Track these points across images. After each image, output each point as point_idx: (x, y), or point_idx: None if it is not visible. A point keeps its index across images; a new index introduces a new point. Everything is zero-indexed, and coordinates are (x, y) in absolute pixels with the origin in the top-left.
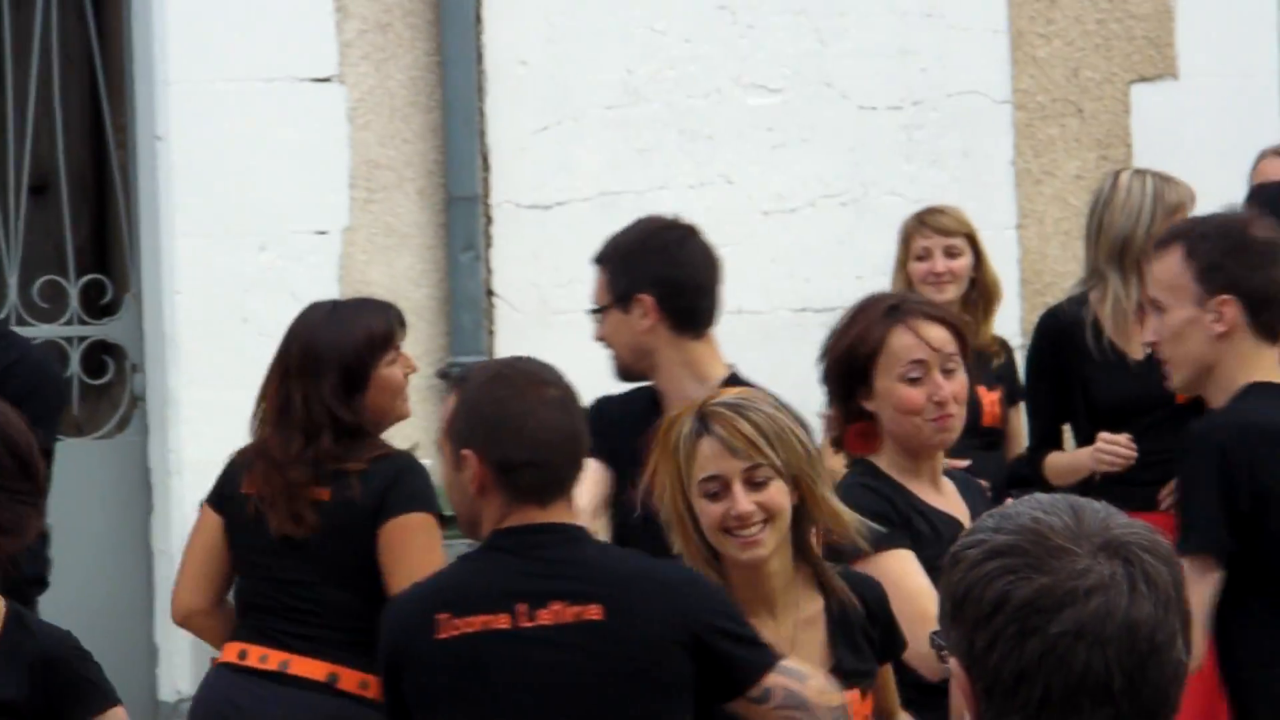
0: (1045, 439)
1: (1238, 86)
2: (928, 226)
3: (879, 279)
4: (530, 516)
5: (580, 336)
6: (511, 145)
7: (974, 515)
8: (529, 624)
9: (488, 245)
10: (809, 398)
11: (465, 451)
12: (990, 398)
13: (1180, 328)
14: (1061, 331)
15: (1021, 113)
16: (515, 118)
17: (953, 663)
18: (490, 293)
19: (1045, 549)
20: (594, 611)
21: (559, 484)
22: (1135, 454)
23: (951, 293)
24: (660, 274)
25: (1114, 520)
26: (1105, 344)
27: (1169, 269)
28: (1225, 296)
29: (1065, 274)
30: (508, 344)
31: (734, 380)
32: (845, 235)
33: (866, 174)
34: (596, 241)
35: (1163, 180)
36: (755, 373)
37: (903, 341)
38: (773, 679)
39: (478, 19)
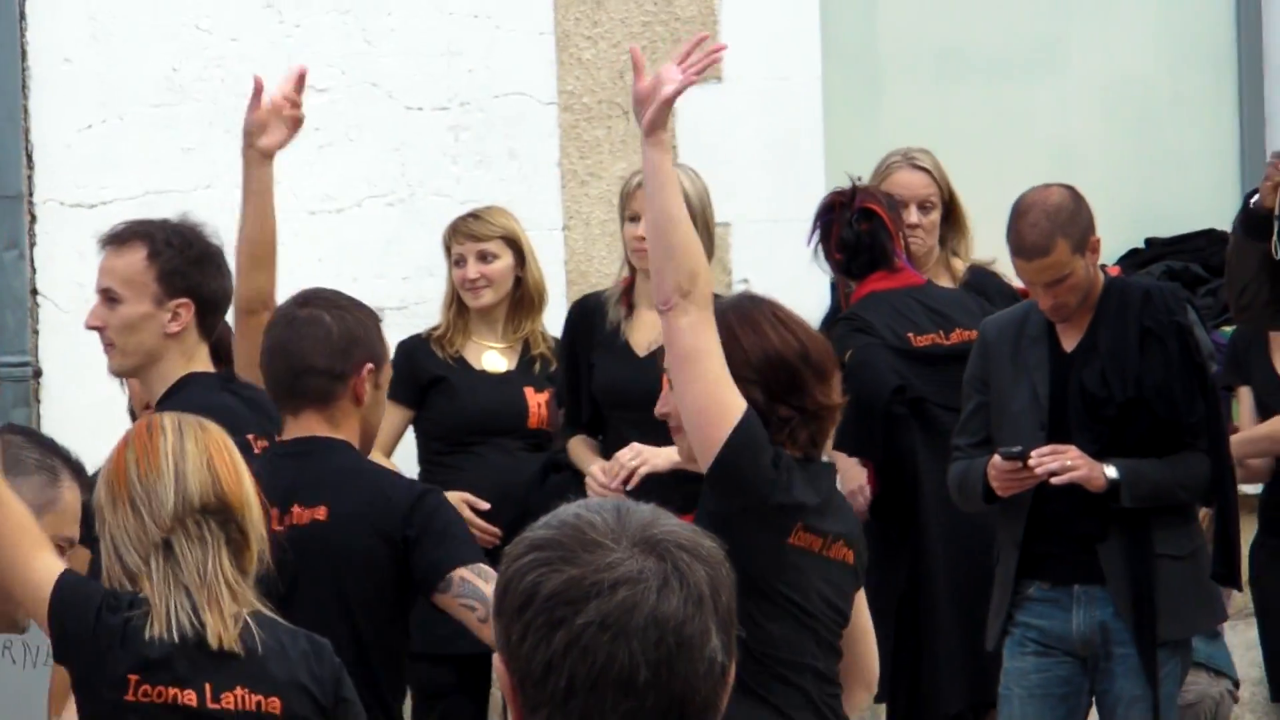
0: (571, 419)
1: (780, 89)
2: (460, 233)
3: (426, 279)
4: (288, 425)
5: None
6: (56, 143)
7: None
8: (292, 522)
9: (32, 244)
10: None
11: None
12: (538, 399)
13: (136, 320)
14: (582, 315)
15: (567, 114)
16: (60, 115)
17: (495, 658)
18: (35, 291)
19: (580, 543)
20: (320, 513)
21: (290, 392)
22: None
23: (488, 297)
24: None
25: (660, 521)
26: (612, 331)
27: (131, 265)
28: (184, 300)
29: (611, 275)
30: (52, 343)
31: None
32: (392, 236)
33: (413, 174)
34: None
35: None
36: None
37: None
38: (459, 573)
39: (21, 15)
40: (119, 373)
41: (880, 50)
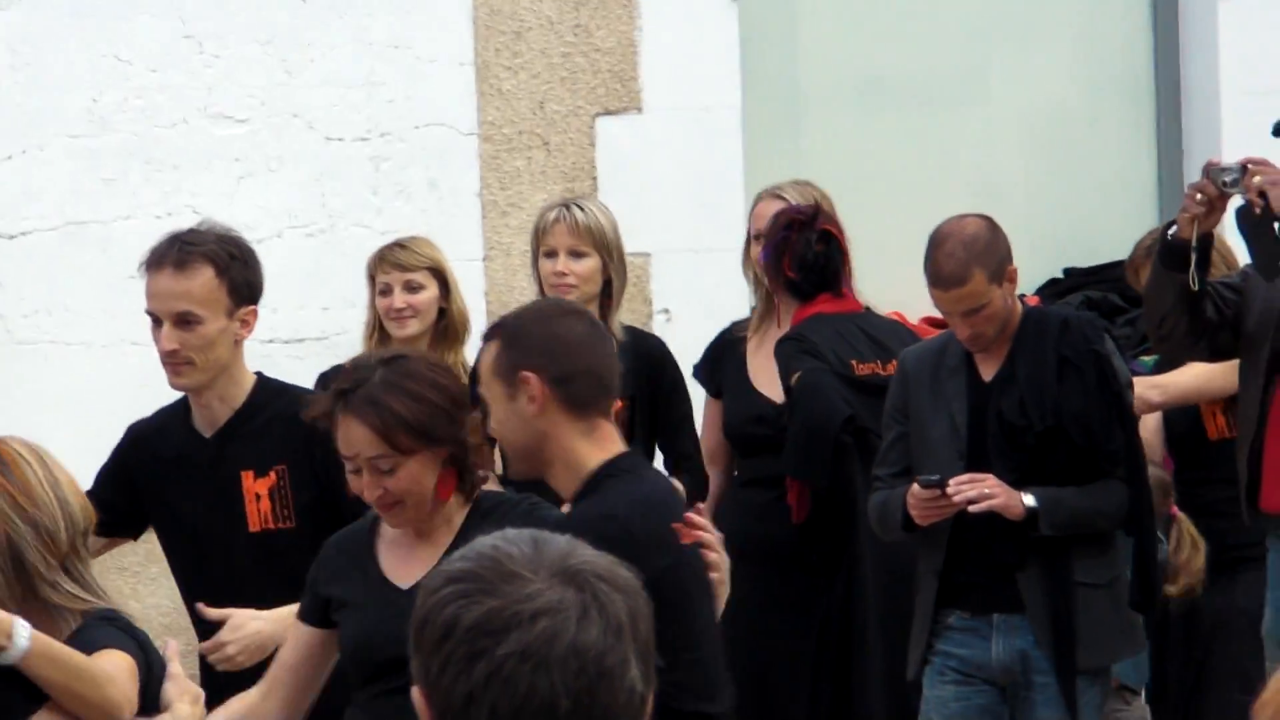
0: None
1: (700, 120)
2: (387, 262)
3: (346, 310)
4: (597, 431)
5: (46, 367)
6: None
7: None
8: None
9: None
10: None
11: (525, 373)
12: None
13: (216, 336)
14: None
15: (488, 145)
16: None
17: (414, 690)
18: None
19: (499, 574)
20: None
21: (606, 394)
22: None
23: (414, 327)
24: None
25: (577, 551)
26: None
27: (205, 285)
28: (252, 306)
29: None
30: None
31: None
32: (313, 266)
33: (334, 205)
34: (62, 271)
35: (564, 207)
36: None
37: (341, 435)
38: None
39: None
40: (193, 388)
41: (801, 79)
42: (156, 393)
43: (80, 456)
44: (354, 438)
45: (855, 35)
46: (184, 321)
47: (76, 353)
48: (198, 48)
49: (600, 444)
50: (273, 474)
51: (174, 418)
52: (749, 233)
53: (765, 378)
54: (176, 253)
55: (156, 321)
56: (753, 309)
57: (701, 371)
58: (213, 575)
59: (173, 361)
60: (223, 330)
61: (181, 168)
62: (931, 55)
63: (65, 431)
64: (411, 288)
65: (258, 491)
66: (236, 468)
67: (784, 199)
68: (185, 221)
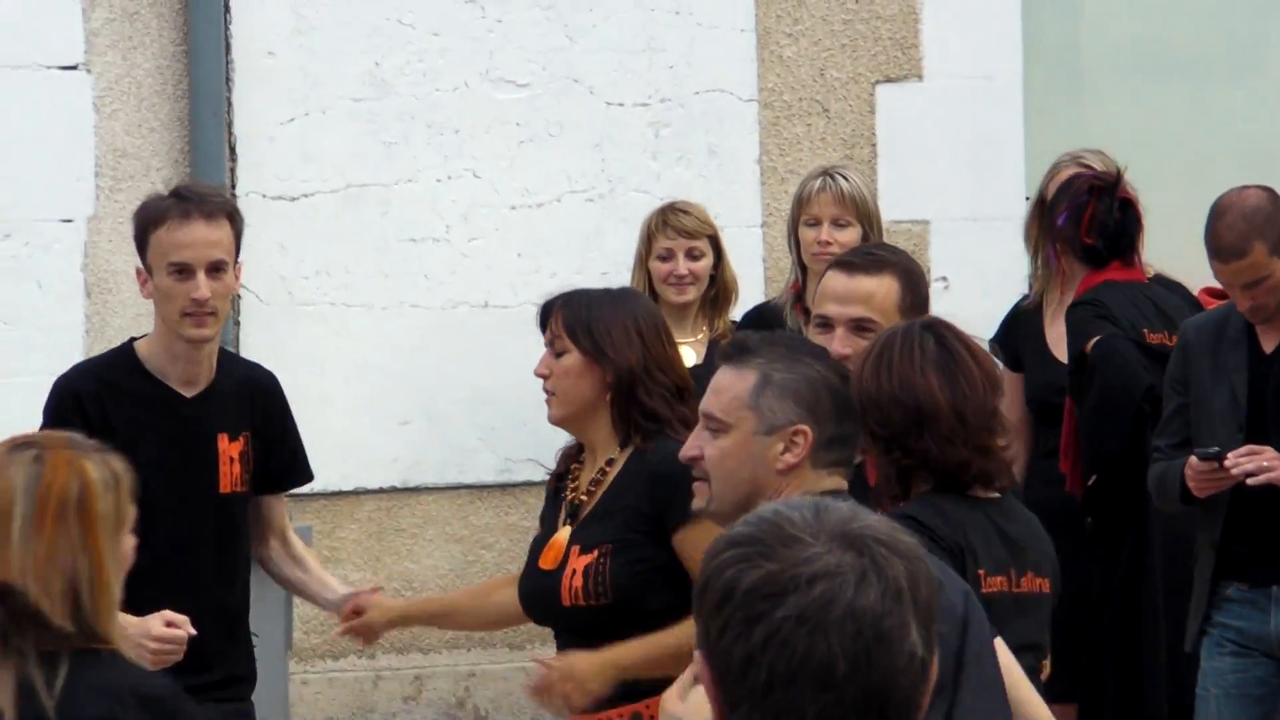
0: None
1: (980, 88)
2: (671, 227)
3: (624, 275)
4: None
5: (325, 329)
6: (259, 136)
7: None
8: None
9: None
10: None
11: None
12: None
13: (233, 287)
14: (759, 321)
15: (767, 111)
16: (263, 108)
17: (697, 653)
18: None
19: (778, 538)
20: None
21: None
22: None
23: (692, 294)
24: None
25: (858, 516)
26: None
27: (229, 236)
28: (239, 261)
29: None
30: (253, 335)
31: None
32: (592, 230)
33: (613, 170)
34: (342, 233)
35: (828, 176)
36: (502, 366)
37: None
38: None
39: (226, 9)
40: (209, 339)
41: (1081, 48)
42: (432, 354)
43: (357, 416)
44: None
45: (1137, 4)
46: (215, 270)
47: (356, 314)
48: (480, 12)
49: None
50: (242, 439)
51: (123, 372)
52: (1043, 197)
53: (1065, 347)
54: (201, 205)
55: (180, 273)
56: (1032, 276)
57: (998, 344)
58: (171, 534)
59: (201, 312)
60: (234, 283)
61: (462, 131)
62: (1213, 23)
63: (343, 392)
64: (694, 255)
65: (231, 455)
66: (214, 428)
67: (1088, 166)
68: (465, 186)
